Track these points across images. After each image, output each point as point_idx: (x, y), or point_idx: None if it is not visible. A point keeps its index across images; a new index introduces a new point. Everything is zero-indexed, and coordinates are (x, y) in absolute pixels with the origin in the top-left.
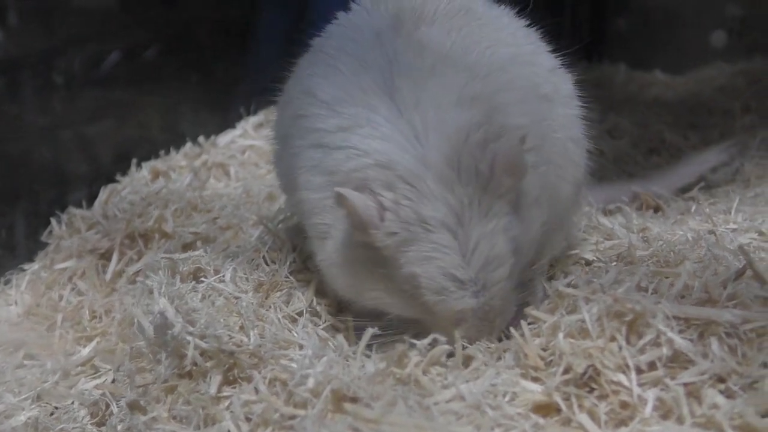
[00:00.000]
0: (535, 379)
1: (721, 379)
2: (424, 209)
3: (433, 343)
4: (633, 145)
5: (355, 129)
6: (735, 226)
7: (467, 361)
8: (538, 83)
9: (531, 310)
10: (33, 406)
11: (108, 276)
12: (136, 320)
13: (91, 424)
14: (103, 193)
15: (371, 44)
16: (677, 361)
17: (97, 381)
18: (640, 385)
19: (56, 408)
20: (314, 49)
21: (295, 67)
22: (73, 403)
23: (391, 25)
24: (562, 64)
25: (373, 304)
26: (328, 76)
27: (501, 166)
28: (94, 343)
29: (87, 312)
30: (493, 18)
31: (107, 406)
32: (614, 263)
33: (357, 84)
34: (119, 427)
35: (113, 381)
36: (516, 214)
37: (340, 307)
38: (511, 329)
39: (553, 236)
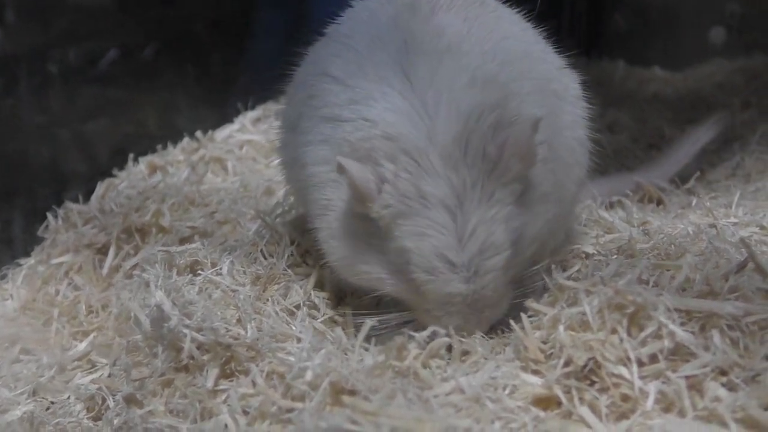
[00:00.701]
0: (536, 372)
1: (723, 372)
2: (424, 184)
3: (433, 336)
4: (632, 140)
5: (367, 102)
6: (736, 220)
7: (464, 354)
8: (550, 79)
9: (531, 303)
10: (29, 400)
11: (104, 270)
12: (132, 314)
13: (87, 418)
14: (100, 188)
15: (387, 26)
16: (679, 353)
17: (94, 375)
18: (642, 377)
19: (52, 403)
20: (328, 34)
21: (308, 54)
22: (69, 397)
23: (408, 10)
24: (568, 65)
25: (366, 280)
26: (342, 54)
27: (510, 150)
28: (90, 337)
29: (83, 306)
30: (506, 14)
31: (103, 400)
32: (615, 256)
33: (371, 60)
34: (115, 422)
35: (109, 375)
36: (521, 207)
37: (338, 300)
38: (512, 322)
39: (555, 233)
